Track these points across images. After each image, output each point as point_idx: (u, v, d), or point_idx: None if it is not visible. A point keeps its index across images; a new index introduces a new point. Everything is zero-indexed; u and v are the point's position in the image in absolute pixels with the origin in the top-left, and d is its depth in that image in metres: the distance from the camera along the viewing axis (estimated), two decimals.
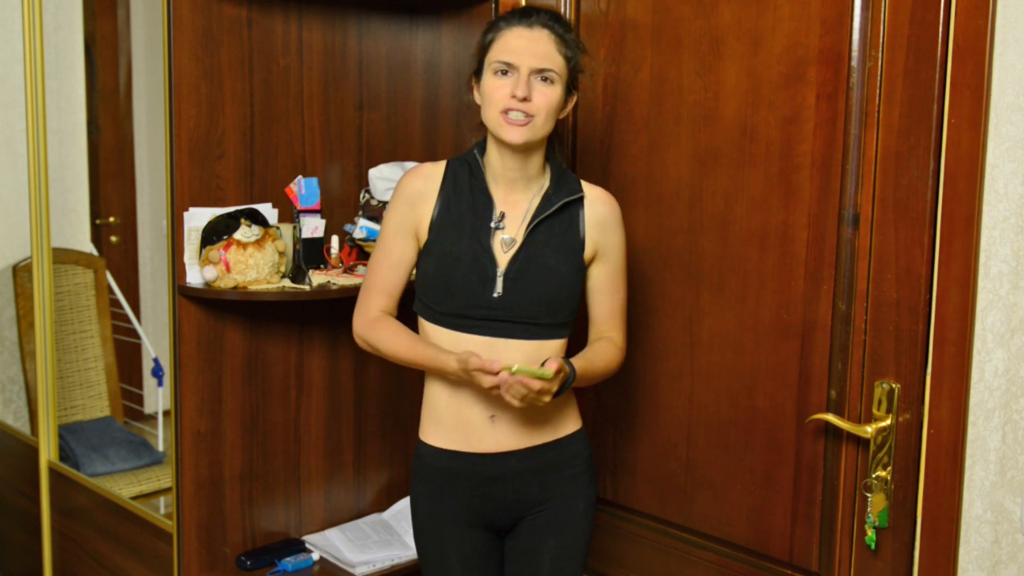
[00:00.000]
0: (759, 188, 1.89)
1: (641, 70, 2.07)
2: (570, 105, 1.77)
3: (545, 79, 1.68)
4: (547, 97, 1.68)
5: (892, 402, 1.72)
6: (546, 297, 1.73)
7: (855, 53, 1.72)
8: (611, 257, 1.82)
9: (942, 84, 1.62)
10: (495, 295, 1.71)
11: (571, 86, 1.75)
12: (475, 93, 1.77)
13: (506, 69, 1.68)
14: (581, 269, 1.78)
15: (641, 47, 2.06)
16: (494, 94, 1.69)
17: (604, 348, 1.81)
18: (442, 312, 1.74)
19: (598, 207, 1.80)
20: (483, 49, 1.73)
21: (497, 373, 1.61)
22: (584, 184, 1.82)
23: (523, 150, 1.73)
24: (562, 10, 2.18)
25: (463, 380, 1.71)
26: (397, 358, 1.77)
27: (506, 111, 1.68)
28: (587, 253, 1.79)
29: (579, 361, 1.73)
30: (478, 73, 1.75)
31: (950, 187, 1.61)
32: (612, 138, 2.14)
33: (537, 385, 1.61)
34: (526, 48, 1.67)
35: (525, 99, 1.66)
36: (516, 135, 1.68)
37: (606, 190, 1.85)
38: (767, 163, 1.87)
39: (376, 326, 1.79)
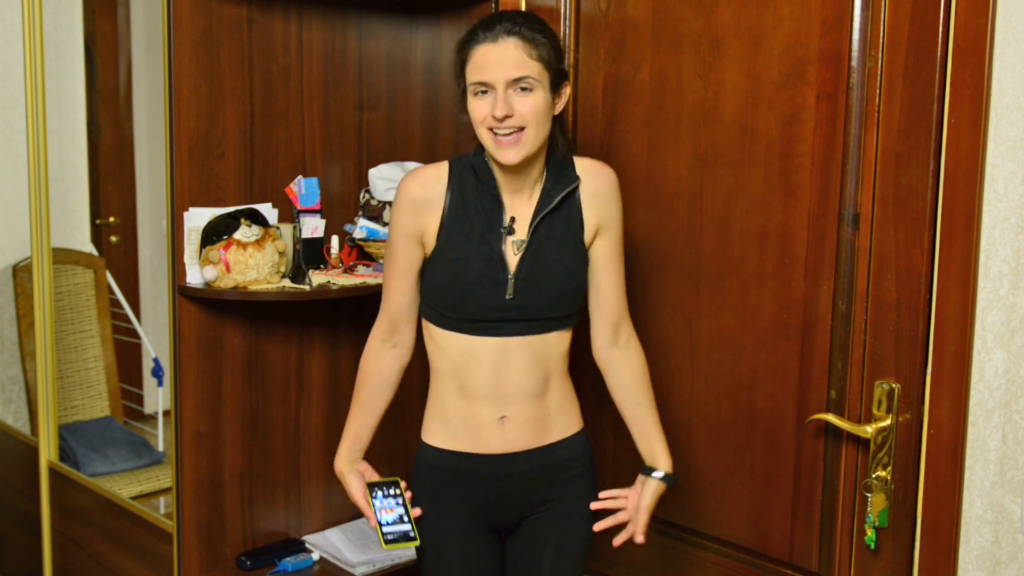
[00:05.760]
0: (759, 188, 1.89)
1: (641, 70, 2.07)
2: (564, 98, 1.72)
3: (524, 88, 1.63)
4: (529, 105, 1.63)
5: (892, 402, 1.72)
6: (554, 293, 1.72)
7: (855, 53, 1.72)
8: (613, 228, 1.78)
9: (942, 84, 1.62)
10: (507, 297, 1.71)
11: (558, 81, 1.69)
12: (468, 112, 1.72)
13: (484, 89, 1.64)
14: (583, 256, 1.76)
15: (641, 47, 2.06)
16: (476, 115, 1.66)
17: (641, 372, 1.85)
18: (454, 318, 1.73)
19: (594, 180, 1.76)
20: (459, 70, 1.69)
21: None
22: (578, 161, 1.77)
23: (523, 165, 1.69)
24: (562, 10, 2.18)
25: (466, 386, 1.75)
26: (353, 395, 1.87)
27: (492, 129, 1.65)
28: (587, 233, 1.76)
29: (661, 447, 1.83)
30: (464, 91, 1.70)
31: (950, 187, 1.61)
32: (612, 138, 2.14)
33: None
34: (496, 63, 1.62)
35: (507, 116, 1.62)
36: (511, 155, 1.65)
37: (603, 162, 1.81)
38: (767, 163, 1.87)
39: (367, 360, 1.84)
